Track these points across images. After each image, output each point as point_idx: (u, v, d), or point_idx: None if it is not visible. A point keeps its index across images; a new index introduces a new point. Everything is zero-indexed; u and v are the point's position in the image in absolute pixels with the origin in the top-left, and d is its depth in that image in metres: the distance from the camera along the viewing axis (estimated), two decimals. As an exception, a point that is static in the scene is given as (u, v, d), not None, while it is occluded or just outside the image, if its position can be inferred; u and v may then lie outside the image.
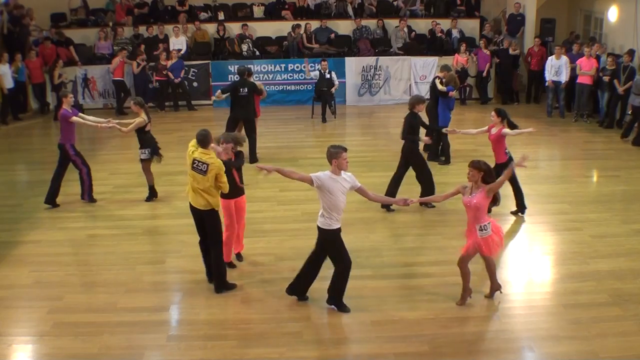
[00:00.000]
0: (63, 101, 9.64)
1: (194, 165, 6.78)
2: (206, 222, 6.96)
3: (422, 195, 9.04)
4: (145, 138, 9.61)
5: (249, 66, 13.58)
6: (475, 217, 6.53)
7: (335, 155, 6.29)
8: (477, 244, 6.55)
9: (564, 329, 6.31)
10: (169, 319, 6.72)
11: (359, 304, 6.77)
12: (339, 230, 6.45)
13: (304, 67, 15.77)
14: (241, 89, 11.63)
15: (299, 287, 6.82)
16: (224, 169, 6.80)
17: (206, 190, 6.78)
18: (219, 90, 12.03)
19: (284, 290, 7.03)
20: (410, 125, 9.24)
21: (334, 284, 6.63)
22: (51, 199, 9.70)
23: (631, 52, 13.61)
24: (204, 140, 6.78)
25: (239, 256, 7.84)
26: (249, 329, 6.40)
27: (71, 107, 9.62)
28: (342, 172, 6.37)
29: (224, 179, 6.79)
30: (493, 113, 8.94)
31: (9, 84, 14.88)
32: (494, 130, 8.88)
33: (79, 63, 16.30)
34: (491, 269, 6.76)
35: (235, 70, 14.57)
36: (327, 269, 6.71)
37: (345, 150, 6.34)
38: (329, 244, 6.49)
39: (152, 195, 9.94)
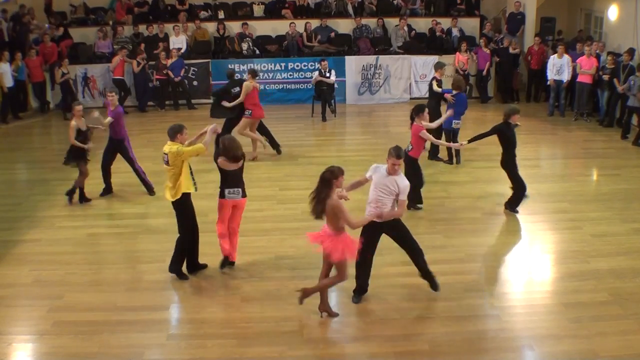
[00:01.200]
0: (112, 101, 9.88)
1: (164, 160, 7.16)
2: (175, 211, 7.31)
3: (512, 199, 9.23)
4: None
5: (253, 67, 13.62)
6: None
7: (388, 155, 6.47)
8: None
9: (564, 327, 6.31)
10: (169, 317, 6.72)
11: (359, 303, 6.78)
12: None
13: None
14: (233, 89, 11.86)
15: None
16: (181, 148, 7.04)
17: (171, 181, 7.13)
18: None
19: (283, 289, 7.04)
20: (506, 138, 8.93)
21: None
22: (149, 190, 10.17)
23: (631, 51, 13.59)
24: (169, 133, 7.14)
25: (227, 260, 7.68)
26: (249, 328, 6.40)
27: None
28: (394, 174, 6.46)
29: (192, 151, 7.09)
30: None
31: (9, 82, 14.87)
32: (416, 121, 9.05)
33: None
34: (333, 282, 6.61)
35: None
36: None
37: (395, 157, 6.39)
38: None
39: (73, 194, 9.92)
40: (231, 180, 7.29)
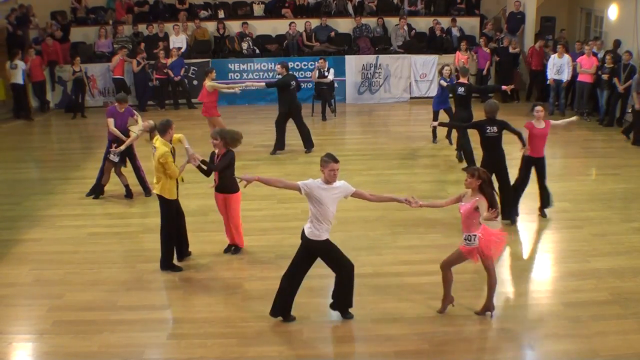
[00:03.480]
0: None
1: (152, 151, 7.28)
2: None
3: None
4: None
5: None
6: (466, 225, 6.19)
7: (323, 164, 5.95)
8: (460, 252, 6.30)
9: (564, 327, 6.31)
10: (169, 317, 6.72)
11: (359, 302, 6.75)
12: (327, 241, 6.16)
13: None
14: (292, 83, 12.14)
15: (282, 306, 6.38)
16: (168, 158, 7.13)
17: (156, 174, 7.26)
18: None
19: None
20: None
21: (339, 292, 6.39)
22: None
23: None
24: (161, 129, 7.28)
25: (234, 248, 7.98)
26: (249, 327, 6.40)
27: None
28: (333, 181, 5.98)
29: (169, 168, 7.14)
30: (539, 108, 8.64)
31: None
32: (541, 125, 8.63)
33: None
34: (492, 284, 6.43)
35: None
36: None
37: (335, 161, 5.93)
38: (324, 254, 6.21)
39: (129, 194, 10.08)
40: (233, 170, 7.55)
